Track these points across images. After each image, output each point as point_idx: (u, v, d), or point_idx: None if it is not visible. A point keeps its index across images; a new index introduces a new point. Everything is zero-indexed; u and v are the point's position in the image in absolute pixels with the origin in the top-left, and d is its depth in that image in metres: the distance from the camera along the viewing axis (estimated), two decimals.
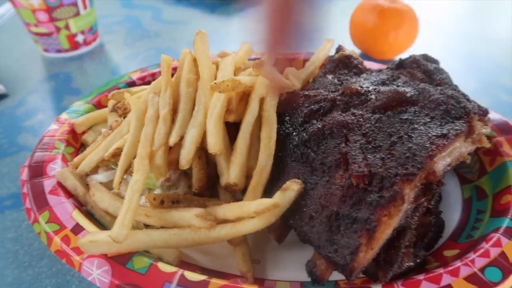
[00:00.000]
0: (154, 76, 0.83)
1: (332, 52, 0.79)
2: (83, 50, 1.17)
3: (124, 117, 0.65)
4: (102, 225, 0.55)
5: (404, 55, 0.71)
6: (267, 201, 0.48)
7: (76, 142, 0.70)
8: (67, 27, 1.10)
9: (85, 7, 1.11)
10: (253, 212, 0.48)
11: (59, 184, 0.58)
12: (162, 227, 0.52)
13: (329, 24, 1.38)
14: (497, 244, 0.48)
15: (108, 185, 0.59)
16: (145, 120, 0.57)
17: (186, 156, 0.55)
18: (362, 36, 1.06)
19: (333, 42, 0.81)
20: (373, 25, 1.02)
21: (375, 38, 1.03)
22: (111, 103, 0.70)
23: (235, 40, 1.24)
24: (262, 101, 0.60)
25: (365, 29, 1.04)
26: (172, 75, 0.64)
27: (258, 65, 0.62)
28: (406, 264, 0.48)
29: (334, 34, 1.24)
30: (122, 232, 0.47)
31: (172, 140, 0.55)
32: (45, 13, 1.04)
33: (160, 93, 0.60)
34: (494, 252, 0.47)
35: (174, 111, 0.59)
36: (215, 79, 0.61)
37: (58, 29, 1.09)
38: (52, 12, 1.05)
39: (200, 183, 0.57)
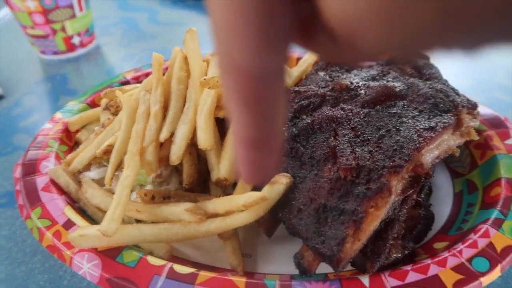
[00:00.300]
0: (148, 76, 0.84)
1: None
2: (79, 52, 1.18)
3: (117, 115, 0.66)
4: (95, 222, 0.56)
5: None
6: (255, 194, 0.48)
7: (70, 140, 0.70)
8: (63, 29, 1.10)
9: (81, 9, 1.12)
10: (242, 205, 0.48)
11: (52, 181, 0.59)
12: (153, 222, 0.52)
13: None
14: (485, 235, 0.48)
15: (100, 182, 0.60)
16: (136, 117, 0.58)
17: (177, 152, 0.55)
18: None
19: None
20: None
21: None
22: (103, 101, 0.71)
23: None
24: None
25: None
26: (163, 75, 0.64)
27: None
28: (394, 255, 0.48)
29: None
30: (112, 226, 0.47)
31: (163, 136, 0.56)
32: (41, 16, 1.05)
33: (151, 91, 0.61)
34: (482, 243, 0.47)
35: (165, 108, 0.60)
36: (205, 76, 0.61)
37: (54, 31, 1.10)
38: (48, 15, 1.06)
39: (190, 178, 0.57)
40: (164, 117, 0.59)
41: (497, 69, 1.06)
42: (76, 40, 1.15)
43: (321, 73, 0.71)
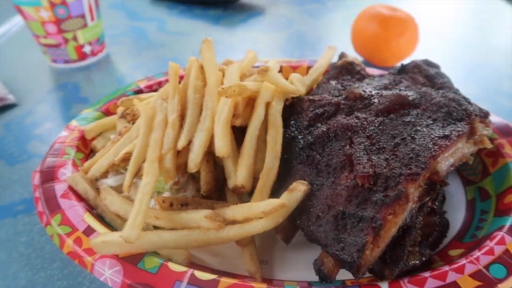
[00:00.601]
0: (160, 84, 0.85)
1: (335, 59, 0.81)
2: (90, 60, 1.20)
3: (133, 123, 0.67)
4: (113, 228, 0.56)
5: (405, 62, 0.73)
6: (274, 201, 0.49)
7: (85, 148, 0.71)
8: (75, 38, 1.12)
9: (92, 19, 1.13)
10: (261, 212, 0.49)
11: (70, 188, 0.60)
12: (171, 229, 0.53)
13: (331, 33, 1.40)
14: (501, 242, 0.49)
15: (117, 189, 0.61)
16: (154, 125, 0.59)
17: (195, 159, 0.56)
18: (364, 44, 1.08)
19: (336, 49, 0.83)
20: (374, 33, 1.04)
21: (377, 46, 1.05)
22: (120, 109, 0.72)
23: (239, 50, 1.27)
24: (267, 105, 0.61)
25: (367, 37, 1.06)
26: (179, 83, 0.65)
27: (263, 71, 0.64)
28: (412, 262, 0.48)
29: (336, 42, 1.27)
30: (133, 232, 0.48)
31: (181, 144, 0.57)
32: (54, 25, 1.07)
33: (168, 99, 0.62)
34: (499, 250, 0.48)
35: (181, 117, 0.61)
36: (222, 85, 0.63)
37: (66, 41, 1.12)
38: (60, 24, 1.08)
39: (208, 186, 0.58)
40: (181, 125, 0.60)
41: (502, 76, 1.07)
42: (87, 49, 1.17)
43: (333, 82, 0.72)
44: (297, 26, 1.44)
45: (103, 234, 0.50)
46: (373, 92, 0.62)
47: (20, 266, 0.59)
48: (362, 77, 0.74)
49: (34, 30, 1.10)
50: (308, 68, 0.87)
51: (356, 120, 0.58)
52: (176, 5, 1.62)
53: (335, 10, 1.56)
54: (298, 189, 0.51)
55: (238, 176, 0.56)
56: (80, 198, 0.59)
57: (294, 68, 0.89)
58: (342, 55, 0.80)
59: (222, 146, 0.55)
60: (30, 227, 0.65)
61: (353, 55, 0.82)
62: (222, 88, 0.57)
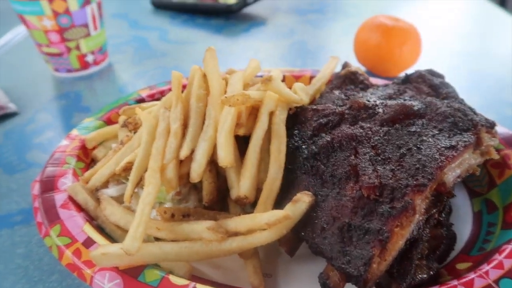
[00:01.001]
0: (162, 93, 0.85)
1: (338, 69, 0.81)
2: (92, 69, 1.19)
3: (135, 132, 0.66)
4: (113, 239, 0.55)
5: (408, 72, 0.72)
6: (278, 213, 0.48)
7: (86, 157, 0.70)
8: (77, 47, 1.12)
9: (95, 28, 1.14)
10: (265, 224, 0.48)
11: (70, 198, 0.59)
12: (173, 241, 0.52)
13: (332, 42, 1.41)
14: (510, 255, 0.47)
15: (118, 199, 0.60)
16: (156, 134, 0.58)
17: (197, 169, 0.55)
18: (367, 54, 1.08)
19: (338, 59, 0.83)
20: (377, 44, 1.03)
21: (379, 56, 1.05)
22: (121, 118, 0.71)
23: (241, 59, 1.27)
24: (271, 115, 0.61)
25: (370, 48, 1.06)
26: (182, 92, 0.65)
27: (267, 81, 0.64)
28: (420, 276, 0.47)
29: (337, 51, 1.27)
30: (134, 244, 0.47)
31: (183, 153, 0.56)
32: (57, 34, 1.07)
33: (171, 108, 0.61)
34: (508, 264, 0.46)
35: (184, 126, 0.60)
36: (225, 94, 0.62)
37: (69, 50, 1.12)
38: (63, 33, 1.08)
39: (210, 196, 0.57)
40: (183, 134, 0.59)
41: (505, 86, 1.07)
42: (90, 58, 1.17)
43: (336, 92, 0.72)
44: (298, 35, 1.44)
45: (103, 245, 0.49)
46: (378, 102, 0.62)
47: (17, 278, 0.57)
48: (365, 86, 0.74)
49: (37, 39, 1.10)
50: (311, 77, 0.87)
51: (361, 130, 0.57)
52: (179, 15, 1.63)
53: (335, 20, 1.57)
54: (302, 200, 0.50)
55: (241, 186, 0.55)
56: (80, 208, 0.58)
57: (297, 78, 0.89)
58: (345, 65, 0.79)
59: (225, 156, 0.55)
60: (28, 238, 0.64)
61: (355, 65, 0.81)
62: (226, 97, 0.57)
